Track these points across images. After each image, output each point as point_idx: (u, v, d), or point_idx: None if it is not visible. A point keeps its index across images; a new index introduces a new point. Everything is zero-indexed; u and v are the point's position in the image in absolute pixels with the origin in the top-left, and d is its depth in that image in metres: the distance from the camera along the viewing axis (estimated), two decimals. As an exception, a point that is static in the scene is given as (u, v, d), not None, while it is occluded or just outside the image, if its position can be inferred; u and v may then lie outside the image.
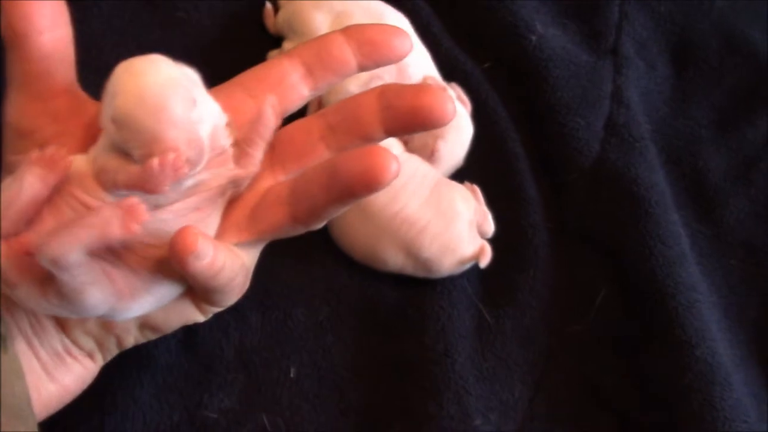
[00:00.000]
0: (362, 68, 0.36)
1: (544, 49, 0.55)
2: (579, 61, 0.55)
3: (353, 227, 0.49)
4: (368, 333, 0.48)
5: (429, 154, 0.51)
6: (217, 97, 0.35)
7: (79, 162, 0.33)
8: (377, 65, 0.36)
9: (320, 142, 0.35)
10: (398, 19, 0.53)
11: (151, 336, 0.39)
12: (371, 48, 0.36)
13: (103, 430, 0.42)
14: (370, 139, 0.35)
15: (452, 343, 0.47)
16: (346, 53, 0.36)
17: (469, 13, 0.57)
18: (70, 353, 0.37)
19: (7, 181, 0.32)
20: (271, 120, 0.35)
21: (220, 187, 0.34)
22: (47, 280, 0.32)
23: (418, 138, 0.51)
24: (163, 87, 0.31)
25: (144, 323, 0.38)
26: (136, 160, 0.32)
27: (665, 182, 0.53)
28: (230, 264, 0.34)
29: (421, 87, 0.34)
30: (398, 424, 0.45)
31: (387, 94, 0.34)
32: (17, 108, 0.34)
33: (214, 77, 0.35)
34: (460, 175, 0.52)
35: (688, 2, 0.59)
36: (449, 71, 0.54)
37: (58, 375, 0.37)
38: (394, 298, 0.49)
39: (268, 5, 0.56)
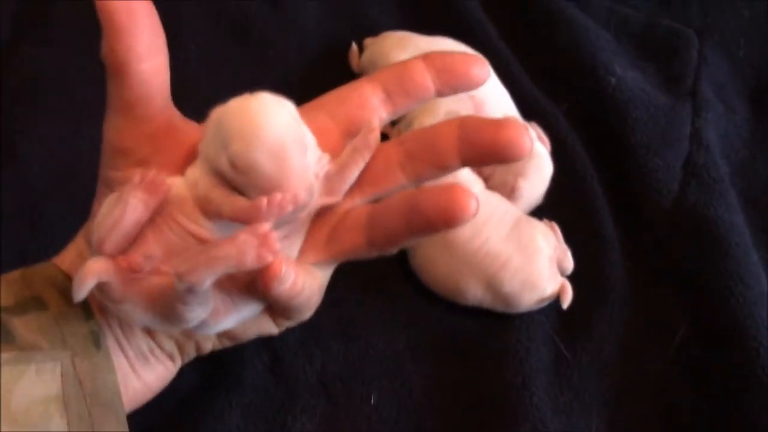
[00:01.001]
0: (440, 94, 0.37)
1: (624, 91, 0.56)
2: (658, 102, 0.56)
3: (435, 260, 0.50)
4: (447, 363, 0.49)
5: (509, 192, 0.52)
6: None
7: (178, 186, 0.34)
8: (455, 91, 0.37)
9: (398, 169, 0.36)
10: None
11: (228, 344, 0.41)
12: (450, 75, 0.36)
13: (195, 447, 0.44)
14: (446, 168, 0.36)
15: (530, 376, 0.47)
16: (426, 79, 0.37)
17: (548, 55, 0.59)
18: (153, 354, 0.39)
19: (110, 201, 0.34)
20: (374, 143, 0.36)
21: (309, 215, 0.36)
22: (154, 298, 0.33)
23: (499, 175, 0.52)
24: (283, 134, 0.32)
25: (223, 333, 0.39)
26: (245, 195, 0.33)
27: (744, 225, 0.53)
28: (309, 285, 0.36)
29: (502, 121, 0.35)
30: (476, 455, 0.46)
31: (467, 125, 0.35)
32: (116, 129, 0.36)
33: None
34: (539, 213, 0.53)
35: (766, 45, 0.59)
36: (528, 111, 0.56)
37: (142, 373, 0.39)
38: (473, 329, 0.50)
39: (354, 45, 0.59)
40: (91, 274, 0.33)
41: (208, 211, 0.34)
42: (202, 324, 0.35)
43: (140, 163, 0.36)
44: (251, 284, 0.34)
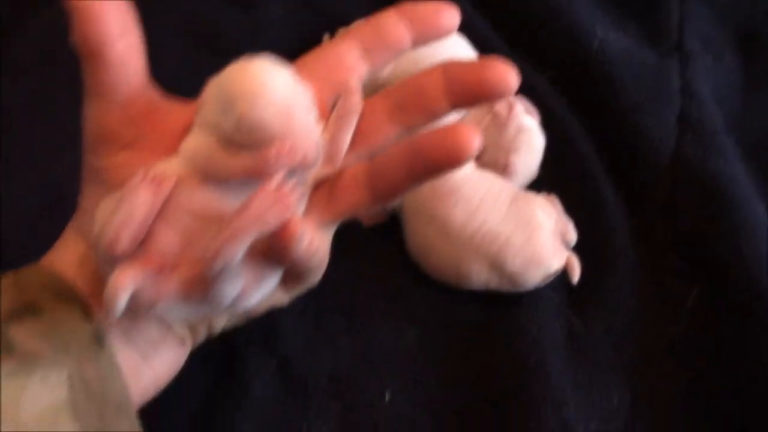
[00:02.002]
0: (416, 44, 0.37)
1: (607, 53, 0.55)
2: (644, 60, 0.55)
3: (434, 248, 0.49)
4: (458, 352, 0.48)
5: (502, 169, 0.51)
6: None
7: (174, 167, 0.34)
8: (429, 40, 0.37)
9: (387, 122, 0.36)
10: (455, 39, 0.53)
11: (238, 322, 0.40)
12: (423, 23, 0.37)
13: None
14: (436, 114, 0.36)
15: (545, 355, 0.46)
16: (401, 29, 0.37)
17: (526, 24, 0.58)
18: (164, 340, 0.38)
19: (109, 203, 0.33)
20: (357, 105, 0.35)
21: (309, 187, 0.36)
22: (187, 289, 0.33)
23: (490, 154, 0.51)
24: (287, 92, 0.32)
25: None
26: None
27: (744, 175, 0.52)
28: (322, 244, 0.36)
29: (485, 61, 0.35)
30: (498, 441, 0.44)
31: (451, 69, 0.35)
32: (97, 116, 0.35)
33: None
34: (536, 186, 0.52)
35: (747, -10, 0.59)
36: (513, 84, 0.54)
37: (153, 361, 0.38)
38: (481, 314, 0.49)
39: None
40: (122, 288, 0.32)
41: (214, 175, 0.33)
42: (233, 304, 0.34)
43: (125, 148, 0.35)
44: (269, 252, 0.34)
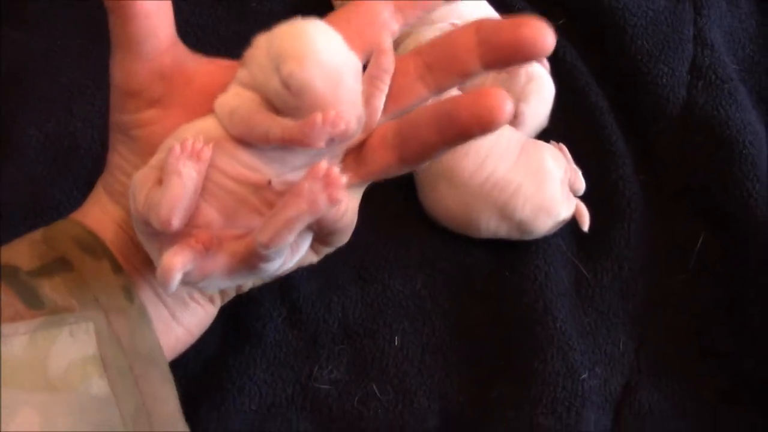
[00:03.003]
0: (447, 1, 0.36)
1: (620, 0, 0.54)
2: (656, 7, 0.54)
3: (444, 197, 0.49)
4: (466, 298, 0.48)
5: (512, 117, 0.51)
6: None
7: (210, 128, 0.33)
8: None
9: (418, 81, 0.35)
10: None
11: (268, 280, 0.41)
12: None
13: (224, 405, 0.44)
14: (468, 74, 0.35)
15: (552, 301, 0.47)
16: None
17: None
18: (193, 298, 0.39)
19: (147, 175, 0.33)
20: (391, 66, 0.35)
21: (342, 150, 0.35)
22: (234, 265, 0.33)
23: (499, 102, 0.51)
24: (338, 57, 0.32)
25: None
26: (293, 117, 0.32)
27: (759, 122, 0.52)
28: (351, 206, 0.35)
29: (519, 19, 0.33)
30: (504, 382, 0.45)
31: (484, 28, 0.34)
32: (123, 69, 0.35)
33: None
34: (545, 135, 0.52)
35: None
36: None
37: (183, 319, 0.38)
38: (489, 261, 0.49)
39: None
40: (176, 269, 0.31)
41: (253, 136, 0.32)
42: (279, 268, 0.34)
43: (152, 104, 0.35)
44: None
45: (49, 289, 0.34)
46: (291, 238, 0.31)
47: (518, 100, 0.50)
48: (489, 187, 0.48)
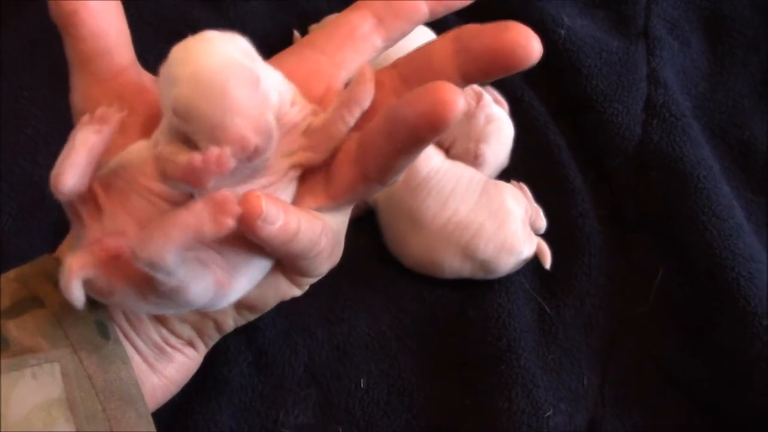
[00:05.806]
0: (434, 15, 0.34)
1: (574, 40, 0.55)
2: (610, 48, 0.56)
3: (408, 239, 0.50)
4: (431, 337, 0.49)
5: (472, 159, 0.51)
6: (286, 63, 0.33)
7: (142, 148, 0.32)
8: (449, 10, 0.34)
9: (392, 95, 0.33)
10: (424, 31, 0.53)
11: (250, 316, 0.38)
12: None
13: (189, 454, 0.44)
14: None
15: (515, 339, 0.47)
16: None
17: (493, 15, 0.57)
18: (168, 343, 0.37)
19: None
20: (366, 98, 0.32)
21: (292, 168, 0.33)
22: (144, 282, 0.30)
23: (460, 144, 0.52)
24: (222, 69, 0.29)
25: (240, 304, 0.36)
26: (198, 147, 0.30)
27: (713, 157, 0.53)
28: (307, 227, 0.32)
29: (504, 23, 0.30)
30: (470, 422, 0.46)
31: (463, 35, 0.31)
32: (80, 91, 0.34)
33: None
34: (506, 174, 0.53)
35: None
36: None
37: (159, 366, 0.37)
38: (453, 300, 0.50)
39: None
40: (73, 273, 0.30)
41: (160, 172, 0.31)
42: (211, 300, 0.32)
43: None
44: (246, 241, 0.31)
45: (16, 328, 0.33)
46: (167, 252, 0.29)
47: (478, 141, 0.51)
48: (451, 227, 0.48)
